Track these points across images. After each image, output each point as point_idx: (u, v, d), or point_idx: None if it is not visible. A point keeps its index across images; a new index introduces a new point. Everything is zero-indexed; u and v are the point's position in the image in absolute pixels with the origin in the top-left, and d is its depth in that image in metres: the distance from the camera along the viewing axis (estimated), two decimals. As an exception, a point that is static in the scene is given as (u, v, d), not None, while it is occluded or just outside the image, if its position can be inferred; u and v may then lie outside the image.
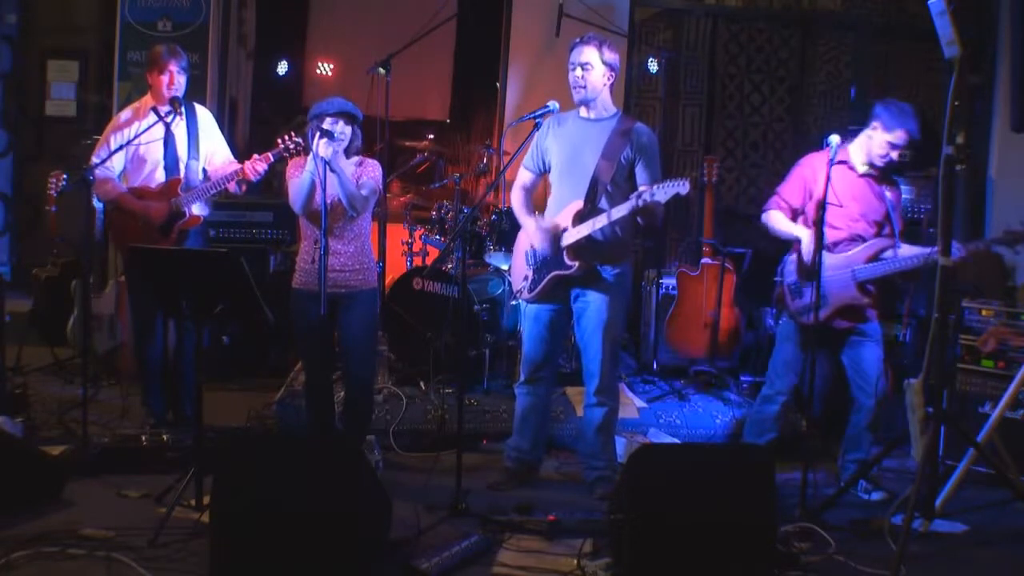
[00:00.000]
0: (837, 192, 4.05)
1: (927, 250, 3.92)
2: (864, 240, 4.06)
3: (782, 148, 6.39)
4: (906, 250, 4.02)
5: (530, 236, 3.99)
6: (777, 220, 4.19)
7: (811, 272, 4.02)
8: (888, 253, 4.01)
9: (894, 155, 4.02)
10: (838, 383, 4.37)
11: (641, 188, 3.74)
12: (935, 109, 5.58)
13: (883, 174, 4.11)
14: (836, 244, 4.07)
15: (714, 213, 5.56)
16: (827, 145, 3.90)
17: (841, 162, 4.09)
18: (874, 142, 4.03)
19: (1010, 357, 4.21)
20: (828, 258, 4.02)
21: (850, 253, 4.04)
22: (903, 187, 4.85)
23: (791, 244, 4.21)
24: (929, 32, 3.60)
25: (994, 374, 4.25)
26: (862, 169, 4.09)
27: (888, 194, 4.08)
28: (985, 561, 3.53)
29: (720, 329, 5.29)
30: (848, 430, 4.21)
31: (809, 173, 4.15)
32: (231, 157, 4.66)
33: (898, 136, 3.98)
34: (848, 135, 4.56)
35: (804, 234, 4.08)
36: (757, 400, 4.36)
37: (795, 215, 4.19)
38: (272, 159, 4.33)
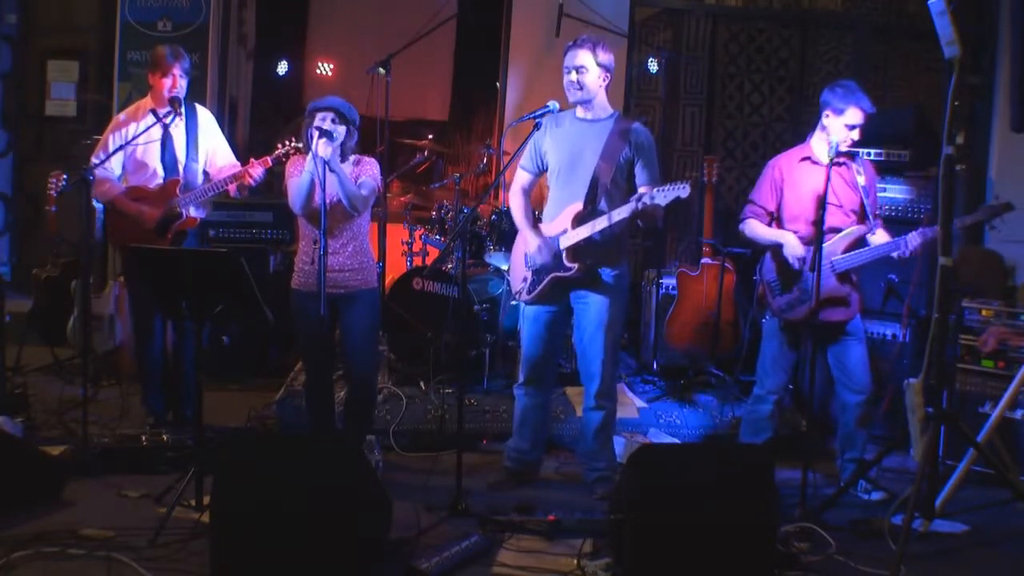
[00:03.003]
0: (806, 190, 4.06)
1: (903, 237, 3.93)
2: (842, 231, 4.06)
3: (782, 148, 6.30)
4: (880, 236, 4.03)
5: (529, 248, 3.99)
6: (756, 228, 4.17)
7: (794, 276, 4.03)
8: (869, 239, 4.02)
9: (855, 135, 4.00)
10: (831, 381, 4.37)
11: (641, 191, 3.74)
12: (935, 109, 5.57)
13: (851, 160, 4.09)
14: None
15: (714, 213, 5.56)
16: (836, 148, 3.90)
17: (805, 158, 4.10)
18: (831, 130, 4.02)
19: (1010, 357, 4.21)
20: (808, 253, 4.03)
21: (826, 244, 4.04)
22: (901, 187, 4.86)
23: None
24: (929, 32, 3.60)
25: (994, 374, 4.25)
26: (827, 161, 4.08)
27: (860, 179, 4.05)
28: (985, 561, 3.53)
29: (720, 329, 5.29)
30: (840, 430, 4.21)
31: (778, 174, 4.14)
32: (232, 157, 4.66)
33: (851, 115, 3.96)
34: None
35: (786, 238, 4.07)
36: (749, 400, 4.36)
37: (771, 219, 4.18)
38: (271, 163, 4.33)
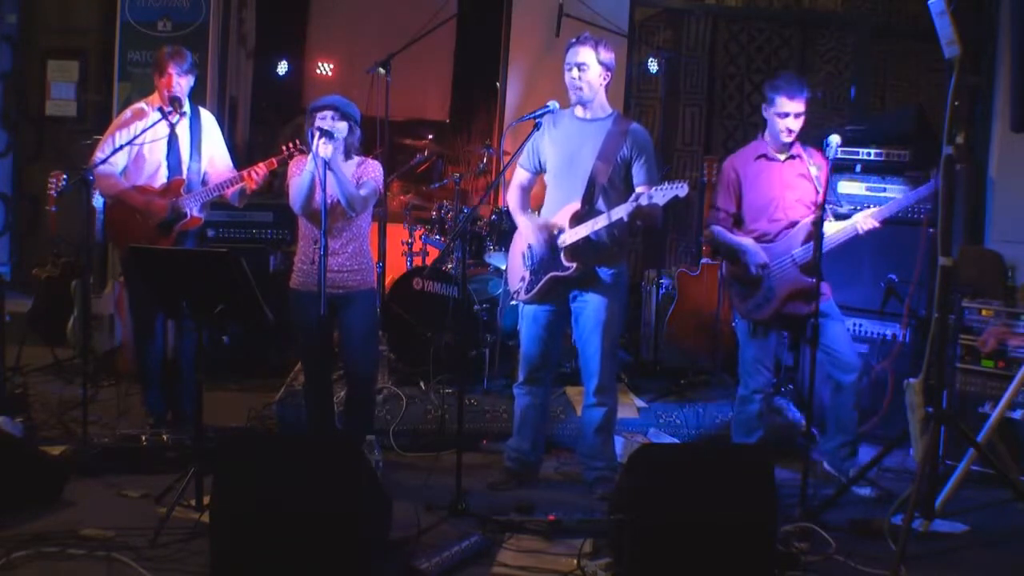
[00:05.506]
0: (765, 186, 4.08)
1: (854, 220, 3.96)
2: (798, 223, 4.07)
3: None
4: (832, 225, 4.03)
5: (526, 235, 3.99)
6: (720, 235, 4.17)
7: (753, 281, 4.06)
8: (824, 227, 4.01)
9: (792, 125, 4.00)
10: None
11: (639, 190, 3.73)
12: (936, 109, 5.57)
13: (803, 151, 4.10)
14: (778, 234, 4.09)
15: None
16: (827, 145, 3.89)
17: (761, 156, 4.11)
18: (771, 124, 4.05)
19: (1010, 357, 4.20)
20: (771, 250, 4.05)
21: (787, 238, 4.05)
22: (901, 187, 4.86)
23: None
24: (929, 32, 3.60)
25: (994, 374, 4.24)
26: (783, 156, 4.09)
27: (814, 171, 4.05)
28: (985, 561, 3.53)
29: (720, 329, 5.29)
30: (833, 413, 4.18)
31: (733, 176, 4.16)
32: (230, 163, 4.67)
33: (781, 104, 3.98)
34: (847, 134, 4.57)
35: (746, 245, 4.08)
36: (736, 402, 4.32)
37: (735, 220, 4.18)
38: (276, 165, 4.34)
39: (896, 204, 4.03)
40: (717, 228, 4.19)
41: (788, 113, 3.98)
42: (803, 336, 4.14)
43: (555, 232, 3.90)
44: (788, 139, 4.04)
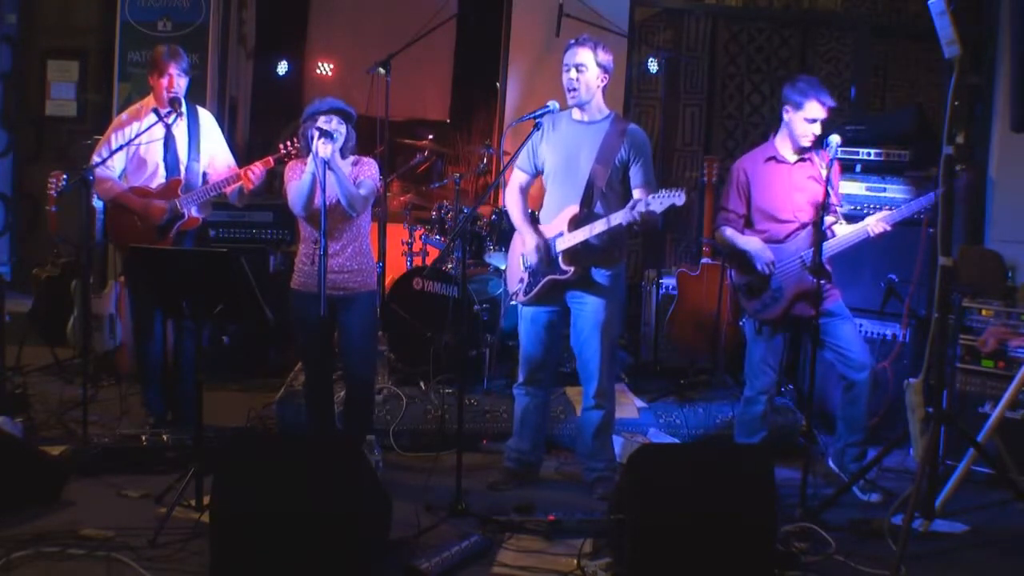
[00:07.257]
0: (774, 189, 4.08)
1: (866, 223, 3.96)
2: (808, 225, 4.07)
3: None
4: (843, 227, 4.04)
5: (526, 248, 3.98)
6: (729, 236, 4.17)
7: (763, 278, 4.05)
8: (835, 229, 4.03)
9: (817, 130, 4.00)
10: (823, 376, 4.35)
11: (637, 198, 3.72)
12: (935, 109, 5.57)
13: (815, 154, 4.09)
14: (788, 236, 4.09)
15: (714, 213, 5.56)
16: (827, 145, 3.89)
17: (771, 158, 4.11)
18: (793, 126, 4.03)
19: (1010, 357, 4.21)
20: (780, 251, 4.05)
21: (796, 240, 4.06)
22: (901, 187, 4.87)
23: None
24: (929, 32, 3.60)
25: (994, 374, 4.24)
26: (794, 158, 4.09)
27: (824, 172, 4.04)
28: (985, 561, 3.53)
29: (720, 329, 5.29)
30: (843, 413, 4.17)
31: (743, 177, 4.15)
32: (232, 161, 4.67)
33: (811, 109, 3.96)
34: (847, 134, 4.56)
35: (752, 245, 4.08)
36: (741, 402, 4.32)
37: (747, 222, 4.18)
38: (273, 164, 4.34)
39: (909, 208, 4.00)
40: (727, 229, 4.18)
41: (817, 119, 3.98)
42: (811, 336, 4.12)
43: (554, 237, 3.90)
44: (809, 143, 4.04)
